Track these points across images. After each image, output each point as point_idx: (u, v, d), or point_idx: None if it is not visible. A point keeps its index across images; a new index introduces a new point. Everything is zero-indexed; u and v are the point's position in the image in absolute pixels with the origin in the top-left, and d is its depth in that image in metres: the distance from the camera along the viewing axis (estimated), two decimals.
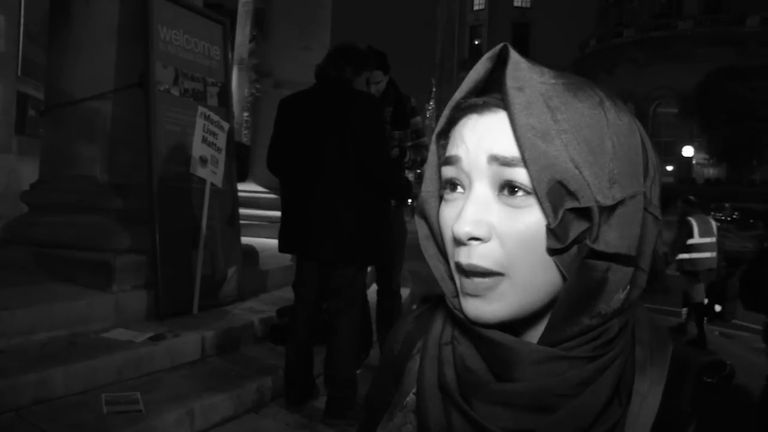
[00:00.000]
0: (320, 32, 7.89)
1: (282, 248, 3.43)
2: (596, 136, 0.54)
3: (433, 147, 0.64)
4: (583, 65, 39.41)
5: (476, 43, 54.34)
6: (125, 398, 3.01)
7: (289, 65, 7.53)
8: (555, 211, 0.53)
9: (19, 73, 7.67)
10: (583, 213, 0.53)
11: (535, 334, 0.60)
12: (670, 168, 34.84)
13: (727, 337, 7.06)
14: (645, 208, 0.57)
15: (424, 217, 0.65)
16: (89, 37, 4.26)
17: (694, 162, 35.23)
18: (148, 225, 3.97)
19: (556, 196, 0.53)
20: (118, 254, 3.87)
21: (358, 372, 3.48)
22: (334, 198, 3.19)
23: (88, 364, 3.11)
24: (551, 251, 0.54)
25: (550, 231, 0.54)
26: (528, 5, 53.58)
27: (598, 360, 0.57)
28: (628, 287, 0.57)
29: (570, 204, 0.53)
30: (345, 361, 3.31)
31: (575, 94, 0.55)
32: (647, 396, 0.58)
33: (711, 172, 34.46)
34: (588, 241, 0.53)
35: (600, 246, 0.53)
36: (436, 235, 0.63)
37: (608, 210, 0.54)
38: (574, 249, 0.54)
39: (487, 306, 0.57)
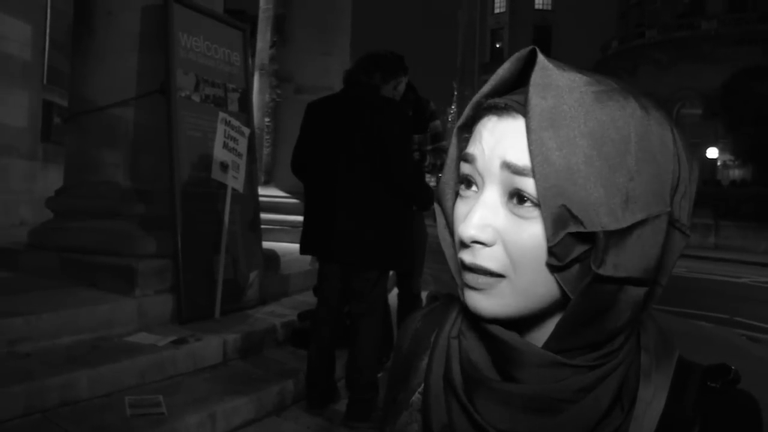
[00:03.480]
0: (340, 38, 7.94)
1: (304, 250, 3.45)
2: (618, 153, 0.51)
3: (454, 139, 0.63)
4: (605, 67, 38.88)
5: (497, 46, 54.09)
6: (148, 401, 3.04)
7: (309, 71, 7.58)
8: (556, 231, 0.51)
9: (45, 82, 7.82)
10: (588, 234, 0.51)
11: (539, 334, 0.59)
12: None
13: (754, 341, 6.94)
14: (672, 224, 0.54)
15: (441, 206, 0.65)
16: (111, 46, 4.33)
17: (718, 164, 34.68)
18: (171, 230, 4.01)
19: (560, 217, 0.51)
20: (141, 259, 3.92)
21: (379, 375, 3.48)
22: (357, 202, 3.21)
23: (111, 367, 3.15)
24: (551, 267, 0.54)
25: (549, 249, 0.52)
26: (549, 7, 53.17)
27: (600, 368, 0.56)
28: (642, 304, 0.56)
29: (573, 228, 0.51)
30: (366, 364, 3.32)
31: (604, 105, 0.52)
32: (651, 402, 0.57)
33: (736, 173, 33.82)
34: (593, 266, 0.51)
35: (607, 271, 0.51)
36: (450, 224, 0.63)
37: (620, 232, 0.51)
38: (576, 267, 0.53)
39: (485, 300, 0.57)
